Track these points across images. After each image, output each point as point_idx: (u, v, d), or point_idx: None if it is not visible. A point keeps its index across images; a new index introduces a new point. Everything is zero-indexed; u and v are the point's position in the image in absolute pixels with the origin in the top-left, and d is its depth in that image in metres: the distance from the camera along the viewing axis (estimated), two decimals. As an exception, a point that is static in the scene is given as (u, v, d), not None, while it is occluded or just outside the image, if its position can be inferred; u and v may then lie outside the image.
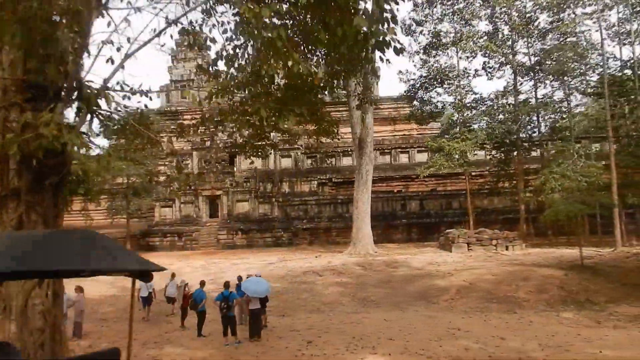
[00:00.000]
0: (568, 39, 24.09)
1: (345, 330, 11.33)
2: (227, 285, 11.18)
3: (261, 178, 37.89)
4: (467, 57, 27.81)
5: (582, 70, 23.42)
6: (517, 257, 19.37)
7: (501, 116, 27.49)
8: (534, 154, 28.80)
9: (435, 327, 11.62)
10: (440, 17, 27.98)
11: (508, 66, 27.31)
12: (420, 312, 13.50)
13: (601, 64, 22.69)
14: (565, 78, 24.06)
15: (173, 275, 14.36)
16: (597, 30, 22.04)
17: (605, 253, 18.94)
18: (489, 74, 28.95)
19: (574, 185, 19.05)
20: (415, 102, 28.82)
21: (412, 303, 14.64)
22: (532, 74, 26.47)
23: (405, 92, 29.80)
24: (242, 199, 34.35)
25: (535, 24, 25.48)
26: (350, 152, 41.94)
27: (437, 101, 29.08)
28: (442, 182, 33.85)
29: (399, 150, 36.85)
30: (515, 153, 27.50)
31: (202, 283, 12.16)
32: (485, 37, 27.04)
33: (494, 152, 28.55)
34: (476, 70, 28.82)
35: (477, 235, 21.98)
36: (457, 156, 24.71)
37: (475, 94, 28.43)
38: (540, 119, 27.83)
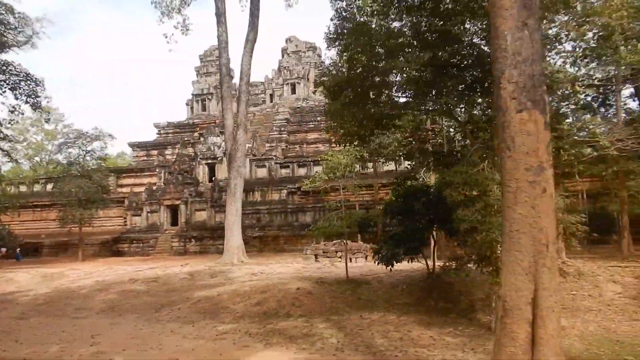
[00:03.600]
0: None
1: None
2: None
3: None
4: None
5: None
6: (332, 268, 19.24)
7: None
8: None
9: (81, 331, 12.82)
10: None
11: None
12: (102, 318, 14.62)
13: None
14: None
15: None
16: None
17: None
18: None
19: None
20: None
21: (136, 311, 15.41)
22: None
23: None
24: (200, 208, 36.85)
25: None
26: (320, 162, 42.43)
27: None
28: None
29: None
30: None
31: None
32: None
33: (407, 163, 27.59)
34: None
35: (324, 247, 21.99)
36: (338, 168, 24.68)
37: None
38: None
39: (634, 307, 12.77)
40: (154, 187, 39.77)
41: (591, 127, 15.70)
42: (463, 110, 12.06)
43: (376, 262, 13.93)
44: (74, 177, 31.43)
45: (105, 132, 32.73)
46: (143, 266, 24.35)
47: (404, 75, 11.45)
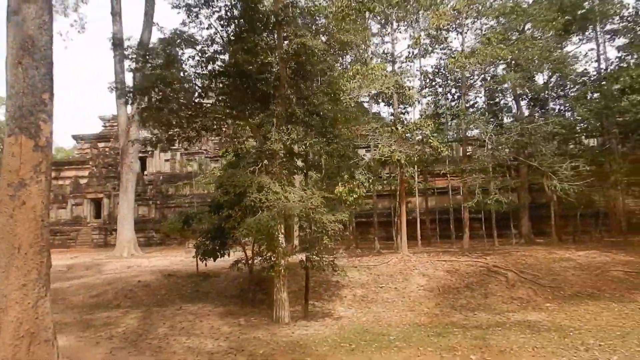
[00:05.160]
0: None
1: None
2: None
3: (166, 181, 40.75)
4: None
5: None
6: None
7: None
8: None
9: None
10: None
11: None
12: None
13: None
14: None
15: None
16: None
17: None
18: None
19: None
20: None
21: None
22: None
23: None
24: (125, 201, 37.33)
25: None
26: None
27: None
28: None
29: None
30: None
31: None
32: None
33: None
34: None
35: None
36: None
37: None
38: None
39: (423, 299, 13.81)
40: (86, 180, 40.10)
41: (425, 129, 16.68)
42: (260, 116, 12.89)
43: (196, 258, 14.74)
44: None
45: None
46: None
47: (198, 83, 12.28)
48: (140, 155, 42.12)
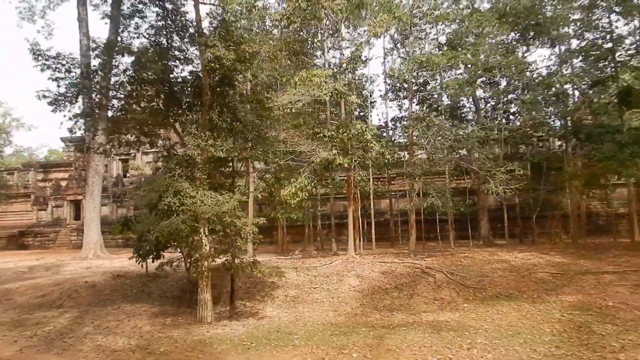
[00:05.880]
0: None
1: None
2: None
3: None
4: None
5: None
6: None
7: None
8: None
9: None
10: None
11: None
12: None
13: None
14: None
15: None
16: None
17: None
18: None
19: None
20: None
21: None
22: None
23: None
24: (104, 203, 37.84)
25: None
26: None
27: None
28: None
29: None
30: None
31: None
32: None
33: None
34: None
35: (166, 243, 23.22)
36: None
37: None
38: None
39: (350, 300, 14.18)
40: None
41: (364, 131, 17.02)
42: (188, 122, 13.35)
43: (131, 259, 15.17)
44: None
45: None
46: (5, 260, 25.46)
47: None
48: (123, 157, 42.77)
